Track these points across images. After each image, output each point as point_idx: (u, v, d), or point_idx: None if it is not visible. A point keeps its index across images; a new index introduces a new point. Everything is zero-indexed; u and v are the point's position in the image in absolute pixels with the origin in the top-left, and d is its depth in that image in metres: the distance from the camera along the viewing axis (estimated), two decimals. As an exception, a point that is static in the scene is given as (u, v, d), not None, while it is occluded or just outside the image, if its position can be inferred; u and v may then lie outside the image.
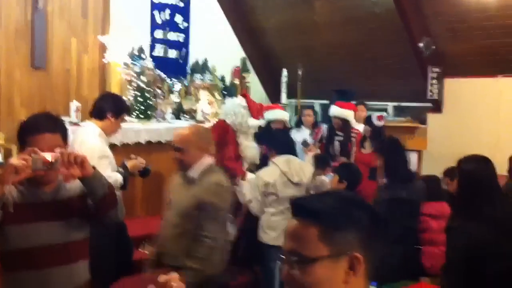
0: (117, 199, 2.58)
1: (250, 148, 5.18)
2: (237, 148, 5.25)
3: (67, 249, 2.52)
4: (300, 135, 6.96)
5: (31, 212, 2.44)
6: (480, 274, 2.80)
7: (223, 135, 5.19)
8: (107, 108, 4.12)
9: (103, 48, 8.52)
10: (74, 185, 2.57)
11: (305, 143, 6.57)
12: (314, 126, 7.34)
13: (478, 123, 7.55)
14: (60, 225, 2.50)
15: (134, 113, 7.68)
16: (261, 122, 5.40)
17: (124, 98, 4.86)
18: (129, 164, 4.19)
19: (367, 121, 6.69)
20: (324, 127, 7.10)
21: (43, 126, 2.49)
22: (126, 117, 4.68)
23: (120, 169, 4.06)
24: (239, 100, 5.39)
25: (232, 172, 4.95)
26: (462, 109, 7.90)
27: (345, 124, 6.67)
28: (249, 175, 5.11)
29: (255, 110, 5.27)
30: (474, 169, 3.27)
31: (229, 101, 6.07)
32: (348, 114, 6.69)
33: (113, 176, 3.80)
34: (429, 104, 8.37)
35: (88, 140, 3.91)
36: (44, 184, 2.52)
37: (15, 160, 2.22)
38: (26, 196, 2.48)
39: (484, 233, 2.94)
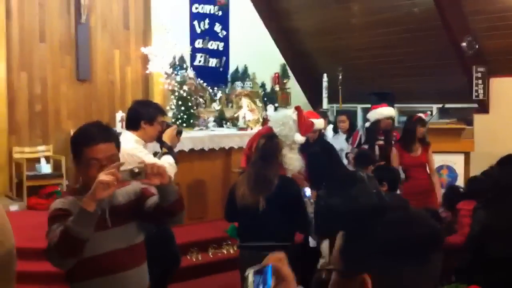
0: (184, 204, 2.65)
1: (293, 160, 5.10)
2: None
3: (131, 253, 2.60)
4: (338, 142, 6.88)
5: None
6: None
7: None
8: (139, 116, 4.03)
9: (145, 59, 8.68)
10: (127, 190, 2.65)
11: (345, 155, 6.53)
12: (351, 131, 7.23)
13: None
14: (122, 230, 2.58)
15: (177, 121, 7.77)
16: (305, 138, 5.32)
17: (153, 101, 4.77)
18: (165, 138, 4.07)
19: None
20: (361, 131, 6.94)
21: (98, 136, 2.54)
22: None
23: (164, 150, 4.03)
24: (291, 112, 5.31)
25: None
26: (509, 109, 7.69)
27: (392, 124, 6.60)
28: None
29: (304, 127, 5.18)
30: None
31: (281, 111, 6.08)
32: (393, 112, 6.65)
33: (165, 161, 3.78)
34: (474, 105, 8.18)
35: (126, 146, 3.86)
36: None
37: (104, 176, 2.27)
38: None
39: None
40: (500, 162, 4.05)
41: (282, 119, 5.17)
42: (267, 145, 3.97)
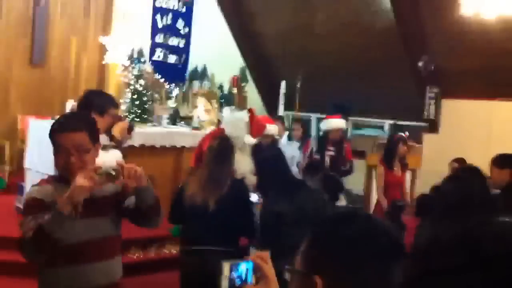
0: (161, 209, 2.66)
1: (242, 163, 5.04)
2: None
3: (104, 245, 2.62)
4: (291, 149, 6.91)
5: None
6: None
7: None
8: (90, 106, 3.85)
9: (103, 49, 8.50)
10: (108, 184, 2.60)
11: (296, 164, 6.56)
12: (304, 139, 7.29)
13: (473, 145, 7.55)
14: (97, 221, 2.60)
15: (130, 116, 7.63)
16: (256, 141, 5.25)
17: (108, 93, 4.63)
18: (115, 132, 3.97)
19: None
20: (312, 141, 6.98)
21: (69, 124, 2.58)
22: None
23: (112, 143, 3.91)
24: (243, 114, 5.30)
25: None
26: (459, 131, 7.90)
27: (344, 134, 6.66)
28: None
29: (255, 129, 5.16)
30: None
31: (233, 112, 6.03)
32: (343, 123, 6.70)
33: (112, 155, 3.64)
34: (425, 124, 8.37)
35: None
36: None
37: (82, 180, 2.29)
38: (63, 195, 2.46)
39: None
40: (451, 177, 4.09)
41: (234, 120, 5.21)
42: (222, 146, 3.93)
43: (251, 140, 5.02)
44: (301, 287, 1.22)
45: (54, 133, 2.56)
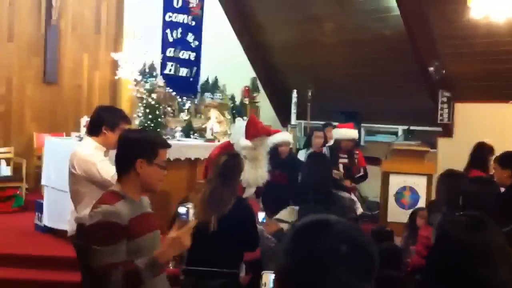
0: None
1: (247, 172, 5.00)
2: None
3: None
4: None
5: (145, 222, 2.61)
6: None
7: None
8: (101, 121, 3.88)
9: (114, 65, 8.58)
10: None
11: None
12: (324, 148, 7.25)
13: (488, 148, 7.50)
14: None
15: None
16: (250, 144, 5.18)
17: (119, 108, 4.64)
18: None
19: None
20: (325, 149, 6.95)
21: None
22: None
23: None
24: (244, 121, 5.33)
25: None
26: (472, 134, 7.83)
27: (354, 144, 6.62)
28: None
29: (250, 132, 5.07)
30: None
31: (238, 121, 6.03)
32: (355, 134, 6.64)
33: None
34: (439, 128, 8.33)
35: (82, 151, 3.79)
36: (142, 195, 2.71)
37: (187, 240, 2.40)
38: (136, 210, 2.57)
39: None
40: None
41: (236, 128, 5.31)
42: (228, 163, 3.70)
43: (245, 143, 4.94)
44: None
45: (157, 147, 2.64)
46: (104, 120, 3.87)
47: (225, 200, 3.57)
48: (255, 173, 4.96)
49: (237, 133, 5.17)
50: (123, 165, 2.60)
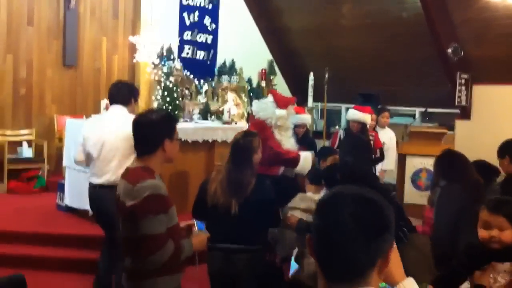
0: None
1: (282, 142, 5.32)
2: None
3: None
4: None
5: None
6: None
7: (262, 130, 5.25)
8: (129, 93, 4.51)
9: (133, 48, 8.67)
10: None
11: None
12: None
13: (506, 130, 7.47)
14: None
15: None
16: (286, 112, 5.45)
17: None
18: None
19: None
20: (341, 132, 6.96)
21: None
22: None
23: None
24: (268, 97, 5.62)
25: (286, 157, 5.17)
26: (490, 116, 7.83)
27: (363, 128, 6.57)
28: (303, 153, 5.33)
29: (281, 101, 5.40)
30: None
31: (259, 101, 6.18)
32: (366, 117, 6.59)
33: None
34: (457, 111, 8.31)
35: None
36: None
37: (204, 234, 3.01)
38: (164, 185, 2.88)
39: None
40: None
41: (261, 104, 5.55)
42: (241, 143, 3.68)
43: (281, 112, 5.27)
44: None
45: (175, 123, 2.90)
46: (131, 91, 4.57)
47: (244, 184, 3.58)
48: (290, 142, 5.42)
49: (266, 108, 5.43)
50: (150, 146, 2.77)
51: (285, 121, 5.32)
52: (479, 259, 2.15)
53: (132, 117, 4.11)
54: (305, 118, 6.41)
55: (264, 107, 5.45)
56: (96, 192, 4.39)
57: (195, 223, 3.05)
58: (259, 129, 5.29)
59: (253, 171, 3.67)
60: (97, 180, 4.38)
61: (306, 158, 5.26)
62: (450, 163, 4.12)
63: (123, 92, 4.48)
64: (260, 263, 3.69)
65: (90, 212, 5.93)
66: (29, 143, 7.97)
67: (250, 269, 3.56)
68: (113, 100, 4.48)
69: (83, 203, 6.06)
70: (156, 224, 2.61)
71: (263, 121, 5.41)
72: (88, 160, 4.45)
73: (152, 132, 2.78)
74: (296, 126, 6.08)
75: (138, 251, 2.67)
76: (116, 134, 4.23)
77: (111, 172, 4.30)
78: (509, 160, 4.35)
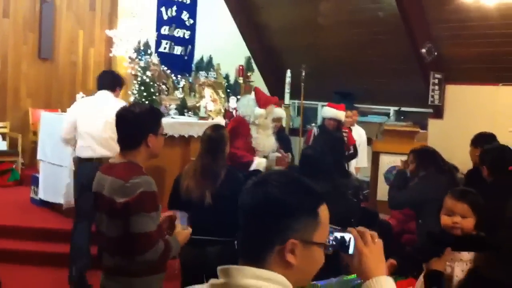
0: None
1: (262, 140, 5.36)
2: (248, 140, 5.36)
3: None
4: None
5: None
6: None
7: (236, 128, 5.33)
8: (114, 81, 5.08)
9: (109, 42, 8.62)
10: None
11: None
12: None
13: (478, 129, 7.60)
14: None
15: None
16: (265, 112, 5.48)
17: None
18: None
19: None
20: (315, 129, 7.03)
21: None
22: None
23: None
24: (251, 95, 5.70)
25: (240, 160, 5.14)
26: (463, 116, 7.97)
27: (338, 125, 6.64)
28: (257, 160, 5.28)
29: (261, 100, 5.44)
30: None
31: (243, 96, 6.29)
32: (341, 115, 6.66)
33: None
34: (430, 110, 8.45)
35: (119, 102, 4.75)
36: None
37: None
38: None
39: None
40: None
41: (244, 101, 5.67)
42: (213, 136, 3.80)
43: (260, 111, 5.32)
44: None
45: (159, 118, 2.86)
46: (117, 79, 5.16)
47: (216, 174, 3.68)
48: (269, 141, 5.43)
49: (247, 105, 5.50)
50: (134, 141, 2.72)
51: (263, 120, 5.34)
52: (439, 245, 2.23)
53: (119, 100, 4.90)
54: (280, 112, 6.44)
55: (245, 104, 5.53)
56: (84, 164, 4.80)
57: (177, 215, 2.94)
58: (237, 124, 5.39)
59: (224, 163, 3.79)
60: (86, 154, 4.82)
61: (259, 165, 5.20)
62: (430, 154, 4.49)
63: (109, 79, 5.08)
64: (232, 255, 3.74)
65: (64, 206, 5.94)
66: (3, 136, 7.89)
67: (222, 260, 3.60)
68: (99, 86, 5.09)
69: (57, 197, 6.06)
70: (149, 222, 2.57)
71: (242, 117, 5.48)
72: (77, 137, 4.91)
73: (135, 126, 2.72)
74: (273, 120, 6.11)
75: (128, 250, 2.60)
76: (106, 111, 4.52)
77: (101, 146, 4.78)
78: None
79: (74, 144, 4.99)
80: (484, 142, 4.52)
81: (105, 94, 4.98)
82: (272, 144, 5.51)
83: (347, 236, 1.46)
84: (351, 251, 1.45)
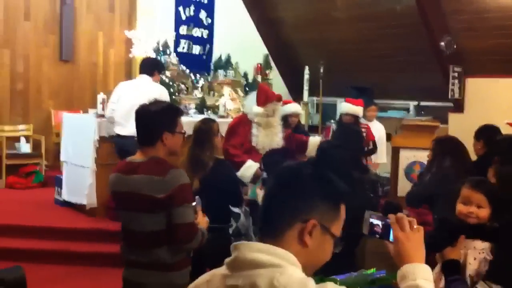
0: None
1: (258, 138, 5.28)
2: (248, 138, 5.30)
3: None
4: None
5: None
6: None
7: (235, 125, 5.32)
8: (153, 66, 5.82)
9: (129, 43, 8.71)
10: None
11: None
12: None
13: (498, 122, 7.52)
14: None
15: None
16: (262, 110, 5.36)
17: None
18: None
19: None
20: (333, 125, 7.01)
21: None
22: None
23: None
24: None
25: (231, 158, 5.06)
26: (483, 109, 7.89)
27: (356, 120, 6.62)
28: (249, 162, 5.14)
29: (260, 97, 5.32)
30: None
31: (250, 94, 6.22)
32: (359, 110, 6.63)
33: None
34: (450, 104, 8.38)
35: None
36: None
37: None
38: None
39: None
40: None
41: (248, 99, 5.69)
42: (201, 129, 4.05)
43: (257, 109, 5.20)
44: None
45: (176, 116, 2.87)
46: (157, 64, 6.13)
47: (203, 162, 3.90)
48: (270, 140, 5.28)
49: (249, 102, 5.46)
50: (150, 138, 2.77)
51: (262, 118, 5.21)
52: (454, 232, 2.23)
53: (157, 84, 5.84)
54: (295, 106, 6.34)
55: (249, 101, 5.51)
56: (125, 138, 5.40)
57: (199, 204, 3.00)
58: (237, 122, 5.38)
59: (212, 152, 4.00)
60: (125, 132, 5.43)
61: (248, 168, 5.12)
62: (455, 143, 4.36)
63: (148, 65, 5.85)
64: (223, 241, 3.77)
65: (87, 206, 6.04)
66: (27, 138, 8.03)
67: (213, 247, 3.49)
68: (140, 70, 5.88)
69: (81, 198, 6.15)
70: (191, 212, 2.75)
71: (245, 115, 5.44)
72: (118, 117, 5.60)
73: (150, 124, 2.77)
74: (289, 116, 6.10)
75: (173, 241, 2.70)
76: (144, 93, 4.82)
77: None
78: (483, 144, 4.50)
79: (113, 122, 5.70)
80: (486, 134, 4.52)
81: (144, 77, 5.73)
82: (273, 142, 5.34)
83: (387, 223, 1.49)
84: (391, 238, 1.47)
